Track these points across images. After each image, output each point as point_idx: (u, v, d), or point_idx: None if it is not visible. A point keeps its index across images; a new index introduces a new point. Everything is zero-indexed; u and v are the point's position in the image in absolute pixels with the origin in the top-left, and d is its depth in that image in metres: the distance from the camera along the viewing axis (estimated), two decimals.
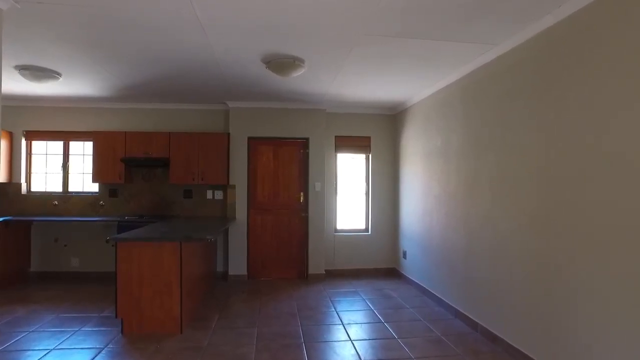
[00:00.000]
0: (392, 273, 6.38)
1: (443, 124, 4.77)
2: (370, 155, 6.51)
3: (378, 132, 6.49)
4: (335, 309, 4.71)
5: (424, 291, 5.26)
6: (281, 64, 3.98)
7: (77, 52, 3.81)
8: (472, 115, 4.10)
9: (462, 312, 4.23)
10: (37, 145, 6.22)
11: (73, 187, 6.19)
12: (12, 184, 6.00)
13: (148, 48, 3.70)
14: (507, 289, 3.49)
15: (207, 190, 6.12)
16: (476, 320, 3.95)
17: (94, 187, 6.13)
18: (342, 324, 4.20)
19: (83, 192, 6.16)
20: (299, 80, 4.72)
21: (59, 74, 4.48)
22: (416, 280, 5.55)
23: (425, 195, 5.26)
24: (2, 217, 5.57)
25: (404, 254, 6.01)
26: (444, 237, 4.73)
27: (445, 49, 3.63)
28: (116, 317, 3.73)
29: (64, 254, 6.01)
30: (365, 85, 5.03)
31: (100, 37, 3.45)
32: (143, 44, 3.59)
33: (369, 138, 6.49)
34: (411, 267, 5.77)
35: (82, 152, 6.21)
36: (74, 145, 6.20)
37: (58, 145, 6.19)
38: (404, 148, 6.10)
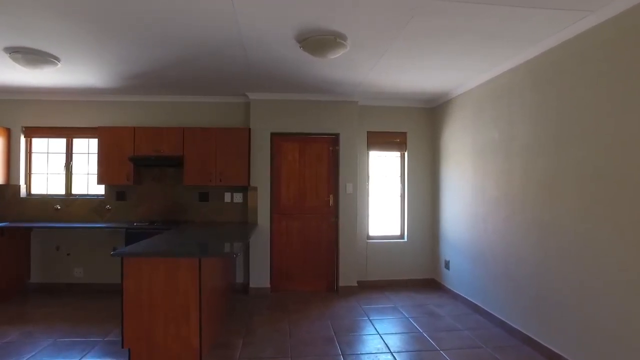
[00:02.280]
0: (431, 285, 5.68)
1: (502, 115, 4.07)
2: (405, 153, 5.82)
3: (414, 127, 5.79)
4: (377, 331, 4.03)
5: (474, 308, 4.56)
6: (319, 42, 3.31)
7: (77, 30, 3.17)
8: (547, 104, 3.40)
9: (534, 338, 3.53)
10: (37, 143, 5.61)
11: (77, 190, 5.58)
12: (10, 186, 5.40)
13: (159, 22, 3.05)
14: (605, 317, 2.78)
15: (225, 193, 5.47)
16: (558, 352, 3.23)
17: (100, 190, 5.51)
18: (390, 352, 3.53)
19: (87, 195, 5.54)
20: (334, 65, 4.05)
21: (57, 59, 3.86)
22: (463, 295, 4.85)
23: (477, 198, 4.56)
24: None
25: (446, 263, 5.31)
26: (503, 246, 4.03)
27: (526, 19, 2.93)
28: (123, 347, 3.08)
29: (67, 264, 5.40)
30: (407, 73, 4.35)
31: (103, 9, 2.80)
32: (153, 16, 2.94)
33: (404, 134, 5.80)
34: (456, 279, 5.06)
35: (87, 151, 5.59)
36: (78, 143, 5.59)
37: (60, 143, 5.58)
38: (445, 145, 5.39)
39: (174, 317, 3.08)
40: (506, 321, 3.95)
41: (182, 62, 4.02)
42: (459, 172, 5.00)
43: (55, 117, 5.46)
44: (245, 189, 5.44)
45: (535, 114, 3.55)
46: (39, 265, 5.40)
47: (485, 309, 4.34)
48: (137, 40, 3.42)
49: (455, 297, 5.04)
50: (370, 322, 4.30)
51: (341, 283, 5.37)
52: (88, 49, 3.63)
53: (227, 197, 5.47)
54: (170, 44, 3.52)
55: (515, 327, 3.79)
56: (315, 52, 3.47)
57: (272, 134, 5.36)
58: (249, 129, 5.24)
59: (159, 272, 3.08)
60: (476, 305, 4.53)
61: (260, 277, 5.27)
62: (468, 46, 3.51)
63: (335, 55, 3.55)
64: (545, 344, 3.38)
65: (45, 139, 5.58)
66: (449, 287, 5.26)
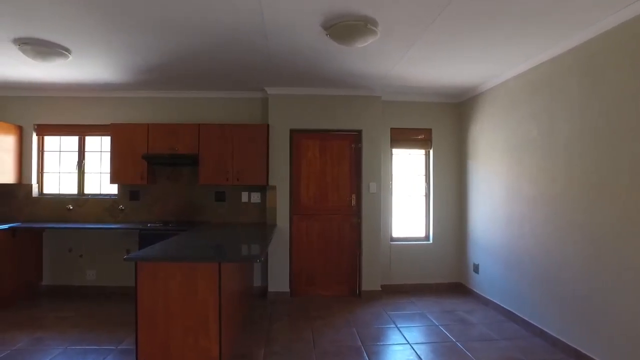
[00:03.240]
0: (458, 289, 5.39)
1: (541, 109, 3.77)
2: (430, 151, 5.53)
3: (440, 123, 5.50)
4: (407, 340, 3.76)
5: (508, 315, 4.26)
6: (348, 28, 3.05)
7: (88, 19, 2.96)
8: (598, 94, 3.09)
9: (582, 351, 3.22)
10: (49, 141, 5.44)
11: (89, 189, 5.39)
12: (22, 186, 5.24)
13: (177, 9, 2.82)
14: None
15: (243, 193, 5.24)
16: None
17: (113, 189, 5.32)
18: None
19: (100, 195, 5.36)
20: (360, 55, 3.80)
21: (68, 51, 3.65)
22: (495, 301, 4.55)
23: (511, 198, 4.26)
24: (9, 223, 4.80)
25: (475, 267, 5.01)
26: (543, 249, 3.74)
27: None
28: (137, 358, 2.85)
29: (79, 266, 5.22)
30: (436, 66, 4.08)
31: None
32: (170, 2, 2.71)
33: (429, 131, 5.51)
34: (487, 284, 4.76)
35: (100, 149, 5.40)
36: (90, 141, 5.41)
37: (72, 141, 5.40)
38: (473, 141, 5.09)
39: (192, 327, 2.84)
40: (547, 331, 3.65)
41: (199, 53, 3.79)
42: (489, 171, 4.71)
43: (67, 114, 5.28)
44: (263, 188, 5.21)
45: (583, 106, 3.24)
46: (50, 267, 5.23)
47: (522, 316, 4.04)
48: (153, 29, 3.20)
49: (485, 302, 4.74)
50: (398, 330, 4.02)
51: (364, 287, 5.10)
52: (100, 40, 3.42)
53: (245, 197, 5.24)
54: (187, 33, 3.29)
55: (559, 337, 3.49)
56: (343, 39, 3.21)
57: (292, 131, 5.11)
58: (268, 125, 5.00)
59: (176, 278, 2.85)
60: (510, 312, 4.23)
61: (279, 280, 5.02)
62: (508, 33, 3.22)
63: (364, 43, 3.29)
64: (595, 358, 3.08)
65: (57, 137, 5.40)
66: (478, 292, 4.96)
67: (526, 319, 3.96)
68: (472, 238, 5.12)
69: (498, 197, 4.52)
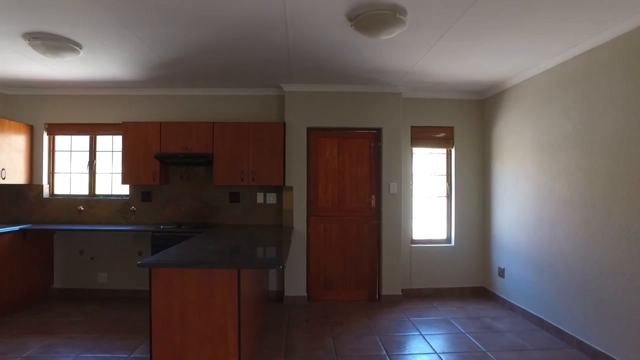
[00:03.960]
0: (482, 294, 5.16)
1: (577, 104, 3.54)
2: (452, 150, 5.31)
3: (462, 121, 5.27)
4: (434, 349, 3.55)
5: (539, 323, 4.03)
6: (375, 18, 2.85)
7: (99, 10, 2.79)
8: None
9: None
10: (60, 141, 5.32)
11: (100, 190, 5.25)
12: (33, 186, 5.12)
13: None
14: None
15: (258, 193, 5.07)
16: None
17: (124, 190, 5.18)
18: None
19: (111, 196, 5.22)
20: (384, 48, 3.61)
21: (79, 46, 3.50)
22: (522, 307, 4.32)
23: (541, 199, 4.03)
24: (20, 225, 4.68)
25: (500, 271, 4.78)
26: (579, 254, 3.50)
27: None
28: None
29: (90, 269, 5.08)
30: (463, 60, 3.87)
31: None
32: None
33: (451, 129, 5.29)
34: (513, 289, 4.53)
35: (111, 149, 5.26)
36: (102, 141, 5.27)
37: (83, 141, 5.27)
38: (498, 140, 4.86)
39: (209, 337, 2.66)
40: (586, 342, 3.42)
41: (216, 47, 3.62)
42: (516, 170, 4.48)
43: (78, 113, 5.15)
44: (279, 189, 5.03)
45: (628, 99, 3.01)
46: (61, 270, 5.10)
47: (555, 324, 3.81)
48: (169, 21, 3.03)
49: (512, 308, 4.51)
50: (424, 338, 3.81)
51: (384, 291, 4.89)
52: (113, 33, 3.26)
53: (260, 197, 5.06)
54: (205, 25, 3.12)
55: (601, 350, 3.25)
56: (368, 30, 3.01)
57: (309, 129, 4.92)
58: (284, 123, 4.81)
59: (192, 285, 2.67)
60: (541, 319, 4.00)
61: (296, 284, 4.84)
62: (545, 21, 2.99)
63: (390, 35, 3.09)
64: None
65: (68, 137, 5.27)
66: (503, 297, 4.73)
67: (561, 328, 3.73)
68: (497, 241, 4.89)
69: (526, 198, 4.29)
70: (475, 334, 3.88)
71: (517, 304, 4.44)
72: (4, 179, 4.63)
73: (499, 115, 4.86)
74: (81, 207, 5.10)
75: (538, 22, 3.00)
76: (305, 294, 4.85)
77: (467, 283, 5.23)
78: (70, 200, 5.14)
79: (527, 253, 4.26)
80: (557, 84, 3.81)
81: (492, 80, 4.61)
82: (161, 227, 4.60)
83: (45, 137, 5.19)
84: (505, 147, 4.73)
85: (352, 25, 3.01)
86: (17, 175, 4.85)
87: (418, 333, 3.93)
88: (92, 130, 5.19)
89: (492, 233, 5.00)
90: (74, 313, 4.42)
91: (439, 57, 3.81)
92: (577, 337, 3.52)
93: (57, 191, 5.27)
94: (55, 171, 5.29)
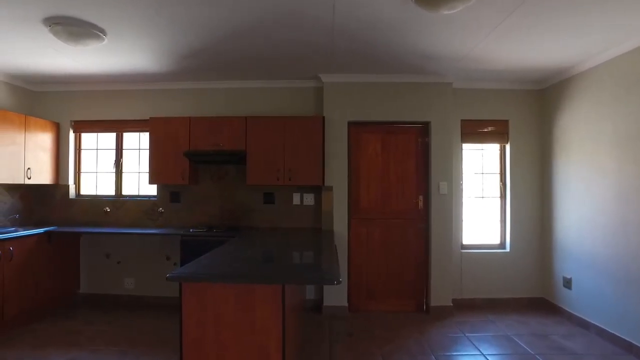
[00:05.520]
0: (542, 306, 4.63)
1: None
2: (507, 146, 4.79)
3: (518, 113, 4.75)
4: None
5: (626, 346, 3.46)
6: None
7: None
8: None
9: None
10: (86, 139, 5.06)
11: (127, 190, 4.97)
12: (59, 187, 4.88)
13: None
14: None
15: (294, 194, 4.67)
16: None
17: (152, 190, 4.87)
18: None
19: (138, 196, 4.92)
20: (443, 26, 3.16)
21: (103, 32, 3.18)
22: (600, 325, 3.78)
23: (624, 201, 3.50)
24: (45, 226, 4.44)
25: (567, 281, 4.24)
26: None
27: None
28: None
29: (117, 273, 4.80)
30: (530, 41, 3.38)
31: None
32: None
33: (505, 122, 4.77)
34: (584, 303, 4.00)
35: (138, 146, 4.97)
36: (128, 138, 4.99)
37: (109, 138, 5.00)
38: (564, 134, 4.33)
39: None
40: None
41: (252, 31, 3.25)
42: (587, 168, 3.94)
43: (104, 109, 4.88)
44: (317, 189, 4.62)
45: None
46: (87, 274, 4.84)
47: None
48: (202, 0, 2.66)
49: (584, 325, 3.97)
50: (485, 358, 3.33)
51: (433, 302, 4.43)
52: (140, 16, 2.93)
53: (296, 198, 4.67)
54: (243, 3, 2.73)
55: None
56: (429, 3, 2.56)
57: (350, 124, 4.50)
58: (323, 117, 4.40)
59: (229, 301, 2.28)
60: (630, 343, 3.42)
61: (336, 293, 4.42)
62: None
63: (453, 9, 2.64)
64: None
65: (94, 134, 5.01)
66: (570, 311, 4.19)
67: None
68: (561, 247, 4.36)
69: (602, 199, 3.75)
70: (548, 357, 3.38)
71: (591, 321, 3.90)
72: (29, 178, 4.39)
73: (564, 106, 4.32)
74: (107, 208, 4.83)
75: None
76: (346, 304, 4.43)
77: (524, 293, 4.71)
78: (97, 201, 4.87)
79: (606, 262, 3.72)
80: None
81: (555, 66, 4.09)
82: (191, 230, 4.27)
83: (72, 135, 4.94)
84: (571, 141, 4.19)
85: (414, 0, 2.57)
86: (42, 175, 4.61)
87: (479, 353, 3.46)
88: (119, 127, 4.91)
89: (555, 238, 4.47)
90: (99, 321, 4.13)
91: (504, 37, 3.33)
92: None
93: (83, 191, 5.02)
94: (81, 171, 5.03)
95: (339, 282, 2.14)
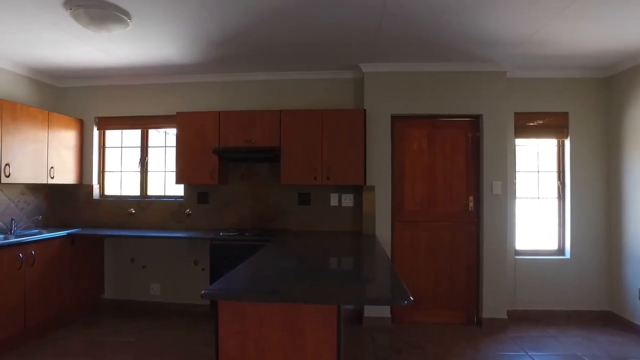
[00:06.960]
0: (611, 321, 4.13)
1: None
2: (566, 141, 4.32)
3: (580, 105, 4.28)
4: None
5: None
6: None
7: None
8: None
9: None
10: (110, 136, 4.82)
11: (152, 190, 4.70)
12: (82, 186, 4.65)
13: None
14: None
15: (332, 194, 4.31)
16: None
17: (179, 190, 4.58)
18: None
19: (165, 197, 4.64)
20: (506, 8, 2.75)
21: (128, 15, 2.89)
22: None
23: None
24: (68, 229, 4.20)
25: None
26: None
27: None
28: None
29: (142, 279, 4.53)
30: (608, 18, 2.91)
31: None
32: None
33: (565, 115, 4.30)
34: None
35: (164, 144, 4.70)
36: (154, 136, 4.73)
37: (134, 136, 4.74)
38: (635, 127, 3.84)
39: None
40: None
41: (290, 13, 2.90)
42: None
43: (129, 104, 4.63)
44: (357, 189, 4.25)
45: None
46: (112, 279, 4.58)
47: None
48: None
49: None
50: None
51: (485, 314, 4.00)
52: None
53: (334, 199, 4.30)
54: None
55: None
56: None
57: (393, 117, 4.11)
58: (364, 110, 4.02)
59: (274, 322, 1.92)
60: None
61: None
62: None
63: None
64: None
65: (118, 131, 4.77)
66: None
67: None
68: (633, 254, 3.87)
69: None
70: None
71: None
72: (52, 178, 4.16)
73: (634, 96, 3.83)
74: (132, 209, 4.57)
75: None
76: (389, 315, 4.04)
77: (588, 306, 4.23)
78: (121, 202, 4.62)
79: None
80: None
81: (624, 50, 3.61)
82: (220, 234, 3.94)
83: (95, 132, 4.71)
84: None
85: None
86: (66, 175, 4.39)
87: None
88: (144, 123, 4.65)
89: (625, 244, 3.97)
90: (125, 331, 3.85)
91: (582, 13, 2.88)
92: None
93: (107, 192, 4.77)
94: (105, 170, 4.79)
95: (409, 302, 1.76)
